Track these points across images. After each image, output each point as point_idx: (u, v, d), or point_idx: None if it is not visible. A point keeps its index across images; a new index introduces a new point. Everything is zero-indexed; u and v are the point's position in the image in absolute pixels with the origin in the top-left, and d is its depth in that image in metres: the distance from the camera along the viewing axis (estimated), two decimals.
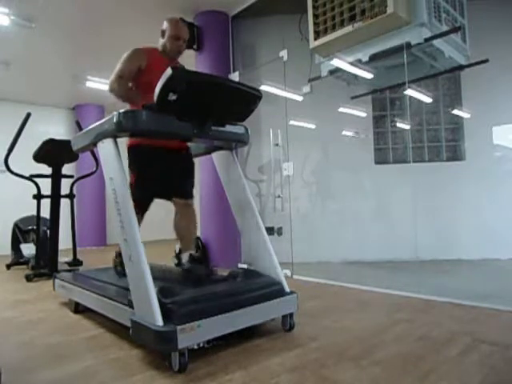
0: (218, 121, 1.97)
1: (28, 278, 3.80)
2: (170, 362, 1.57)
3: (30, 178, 4.06)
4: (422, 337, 1.89)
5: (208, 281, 2.17)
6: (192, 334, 1.58)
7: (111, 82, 2.29)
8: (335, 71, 3.80)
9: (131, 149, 2.32)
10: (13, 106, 6.62)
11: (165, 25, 2.42)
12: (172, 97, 1.71)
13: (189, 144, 2.45)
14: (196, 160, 2.55)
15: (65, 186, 4.18)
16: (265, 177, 4.67)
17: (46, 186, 4.09)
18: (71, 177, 4.42)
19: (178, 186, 2.42)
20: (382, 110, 4.80)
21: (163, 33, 2.41)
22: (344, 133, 4.75)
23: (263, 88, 4.07)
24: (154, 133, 1.89)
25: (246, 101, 1.99)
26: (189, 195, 2.47)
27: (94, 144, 1.98)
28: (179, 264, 2.44)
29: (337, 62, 3.69)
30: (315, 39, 3.38)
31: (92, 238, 7.29)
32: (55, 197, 4.09)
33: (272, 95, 4.04)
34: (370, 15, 2.99)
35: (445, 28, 3.19)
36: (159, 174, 2.32)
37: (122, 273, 2.38)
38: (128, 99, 2.32)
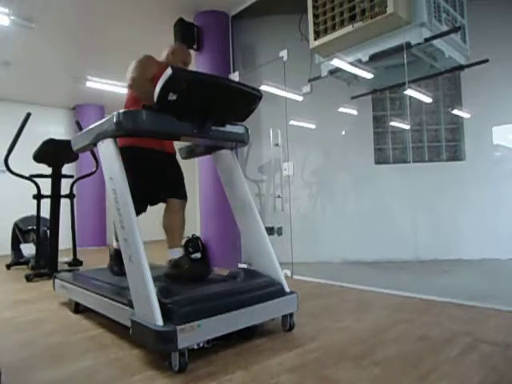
0: (218, 121, 1.97)
1: (28, 278, 3.80)
2: (170, 362, 1.57)
3: (30, 178, 4.06)
4: (422, 337, 1.89)
5: (208, 280, 2.18)
6: (192, 334, 1.58)
7: (135, 81, 2.20)
8: (335, 71, 3.80)
9: (124, 149, 2.17)
10: (13, 106, 6.62)
11: (176, 47, 2.64)
12: (172, 97, 1.71)
13: (187, 144, 2.45)
14: (196, 160, 2.54)
15: (65, 186, 4.18)
16: (265, 177, 4.67)
17: (46, 186, 4.09)
18: (71, 177, 4.42)
19: (173, 187, 2.49)
20: (382, 110, 4.80)
21: (174, 53, 2.56)
22: (344, 133, 4.75)
23: (263, 88, 4.07)
24: (153, 133, 1.89)
25: (246, 101, 1.99)
26: (184, 196, 2.53)
27: (94, 144, 1.98)
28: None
29: (337, 62, 3.69)
30: (315, 39, 3.38)
31: (92, 238, 7.29)
32: (55, 197, 4.09)
33: (272, 95, 4.04)
34: (370, 15, 2.99)
35: (445, 28, 3.19)
36: (153, 176, 2.37)
37: (117, 272, 2.47)
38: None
